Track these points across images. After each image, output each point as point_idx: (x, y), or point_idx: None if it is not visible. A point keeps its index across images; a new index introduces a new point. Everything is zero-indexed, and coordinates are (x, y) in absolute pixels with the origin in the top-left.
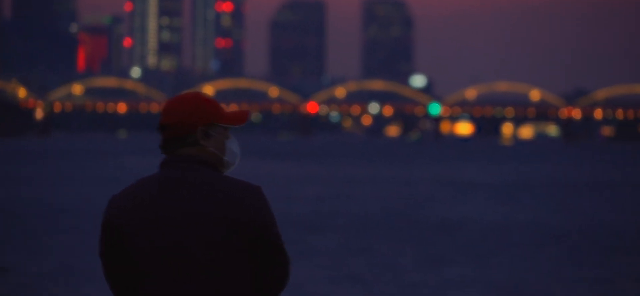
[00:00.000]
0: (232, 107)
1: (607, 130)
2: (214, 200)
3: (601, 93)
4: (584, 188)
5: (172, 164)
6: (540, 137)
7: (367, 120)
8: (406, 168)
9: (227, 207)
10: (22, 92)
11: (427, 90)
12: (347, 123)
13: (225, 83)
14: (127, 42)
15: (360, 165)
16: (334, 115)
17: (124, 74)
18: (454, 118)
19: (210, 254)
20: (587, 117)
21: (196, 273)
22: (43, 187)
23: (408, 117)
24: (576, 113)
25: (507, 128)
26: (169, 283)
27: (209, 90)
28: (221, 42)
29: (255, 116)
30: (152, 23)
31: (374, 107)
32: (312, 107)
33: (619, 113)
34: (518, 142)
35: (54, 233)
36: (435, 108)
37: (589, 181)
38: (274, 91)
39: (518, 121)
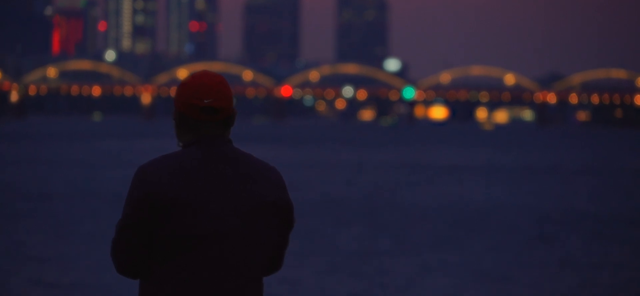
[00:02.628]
0: None
1: (582, 115)
2: (257, 180)
3: (576, 78)
4: (558, 173)
5: (213, 143)
6: (515, 122)
7: (341, 104)
8: (381, 152)
9: (269, 187)
10: None
11: (402, 74)
12: (321, 107)
13: (199, 67)
14: (102, 25)
15: (333, 149)
16: (308, 99)
17: (99, 57)
18: (428, 103)
19: (253, 233)
20: (562, 102)
21: (239, 251)
22: (18, 170)
23: (382, 101)
24: (551, 98)
25: (481, 113)
26: (209, 258)
27: (183, 73)
28: (195, 26)
29: None
30: (126, 6)
31: (348, 91)
32: (286, 90)
33: (594, 98)
34: (498, 127)
35: (27, 215)
36: (410, 93)
37: (563, 166)
38: (247, 75)
39: (493, 105)
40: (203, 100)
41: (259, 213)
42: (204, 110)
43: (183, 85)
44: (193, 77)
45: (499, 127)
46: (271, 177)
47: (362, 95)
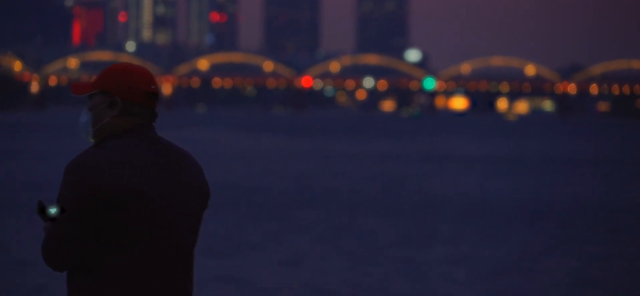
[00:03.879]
0: (227, 81)
1: (602, 106)
2: (187, 167)
3: (597, 69)
4: (578, 164)
5: (148, 131)
6: (536, 113)
7: (361, 95)
8: (409, 144)
9: (197, 174)
10: (17, 66)
11: (422, 64)
12: (342, 98)
13: (220, 58)
14: (122, 16)
15: (354, 140)
16: (328, 89)
17: (119, 47)
18: (448, 93)
19: (194, 220)
20: (583, 93)
21: (185, 238)
22: (33, 161)
23: (403, 92)
24: (572, 89)
25: (502, 103)
26: (161, 248)
27: (203, 64)
28: (216, 16)
29: (249, 90)
30: None
31: (368, 82)
32: (306, 81)
33: (615, 89)
34: (521, 118)
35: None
36: (430, 83)
37: (584, 157)
38: (268, 65)
39: (513, 96)
40: (150, 85)
41: (195, 200)
42: (150, 96)
43: (123, 71)
44: (127, 65)
45: (521, 118)
46: (195, 164)
47: (382, 85)
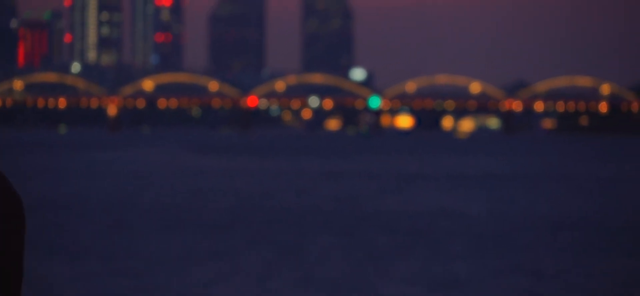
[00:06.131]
0: (173, 102)
1: (548, 123)
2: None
3: (542, 86)
4: (522, 180)
5: None
6: (482, 130)
7: (307, 114)
8: (352, 161)
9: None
10: None
11: (367, 83)
12: (287, 117)
13: (165, 78)
14: (67, 37)
15: (300, 159)
16: (274, 109)
17: (65, 69)
18: (394, 112)
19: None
20: (528, 110)
21: None
22: None
23: (348, 111)
24: (517, 106)
25: (447, 122)
26: None
27: (148, 84)
28: (161, 37)
29: (195, 110)
30: (91, 18)
31: (314, 101)
32: (252, 101)
33: (560, 106)
34: (474, 136)
35: None
36: (375, 102)
37: (529, 173)
38: (213, 85)
39: (458, 114)
40: None
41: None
42: None
43: None
44: None
45: (475, 135)
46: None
47: (328, 104)
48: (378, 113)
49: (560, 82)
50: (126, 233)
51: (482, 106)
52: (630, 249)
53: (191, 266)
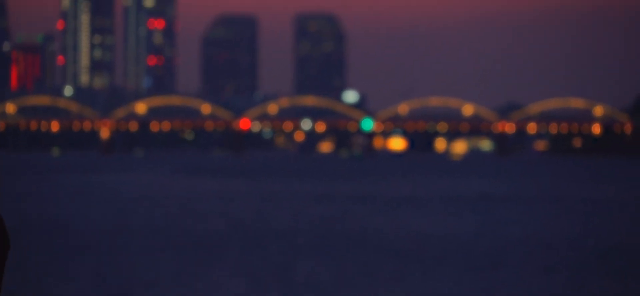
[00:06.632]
0: (165, 125)
1: (541, 144)
2: None
3: (534, 108)
4: (515, 202)
5: None
6: (474, 152)
7: (299, 136)
8: (354, 185)
9: None
10: None
11: (360, 105)
12: (280, 140)
13: (158, 101)
14: (59, 60)
15: (292, 181)
16: (267, 131)
17: (57, 92)
18: (386, 134)
19: None
20: (521, 131)
21: None
22: None
23: (341, 133)
24: (510, 128)
25: (440, 144)
26: None
27: (141, 107)
28: (153, 60)
29: (188, 133)
30: (84, 41)
31: (306, 123)
32: (244, 123)
33: (553, 128)
34: (467, 157)
35: None
36: (368, 124)
37: (522, 195)
38: (206, 108)
39: (451, 136)
40: None
41: None
42: None
43: None
44: None
45: (469, 158)
46: None
47: (320, 127)
48: (371, 135)
49: (553, 103)
50: (119, 255)
51: (475, 128)
52: (623, 270)
53: (181, 287)
